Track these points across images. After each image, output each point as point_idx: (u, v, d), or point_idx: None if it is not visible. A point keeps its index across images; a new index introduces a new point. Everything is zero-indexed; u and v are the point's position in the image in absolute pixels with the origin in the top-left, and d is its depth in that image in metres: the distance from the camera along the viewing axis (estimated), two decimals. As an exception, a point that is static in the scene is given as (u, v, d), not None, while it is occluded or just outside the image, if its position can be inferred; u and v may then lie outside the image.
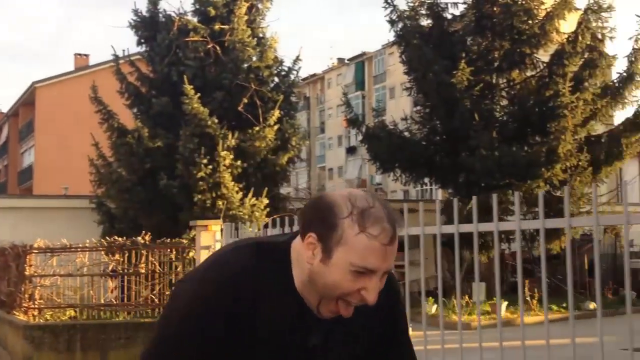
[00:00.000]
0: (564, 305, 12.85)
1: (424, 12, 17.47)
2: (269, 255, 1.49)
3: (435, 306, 12.98)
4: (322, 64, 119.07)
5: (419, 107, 18.05)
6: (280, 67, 15.37)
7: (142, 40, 15.05)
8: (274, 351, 1.49)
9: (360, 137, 18.43)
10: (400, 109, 18.83)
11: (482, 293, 15.28)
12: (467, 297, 13.44)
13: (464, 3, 17.33)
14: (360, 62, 56.13)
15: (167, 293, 10.37)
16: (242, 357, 1.48)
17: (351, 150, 55.00)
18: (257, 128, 14.03)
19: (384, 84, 51.37)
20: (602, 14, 16.23)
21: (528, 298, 13.32)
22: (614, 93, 16.19)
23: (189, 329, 1.44)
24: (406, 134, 18.07)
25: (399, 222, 1.45)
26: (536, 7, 16.36)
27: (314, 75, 62.91)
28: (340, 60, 60.23)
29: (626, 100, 16.37)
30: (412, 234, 3.92)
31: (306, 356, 1.52)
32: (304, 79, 63.21)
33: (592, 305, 14.16)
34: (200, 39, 14.20)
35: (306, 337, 1.51)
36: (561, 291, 13.31)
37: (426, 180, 19.00)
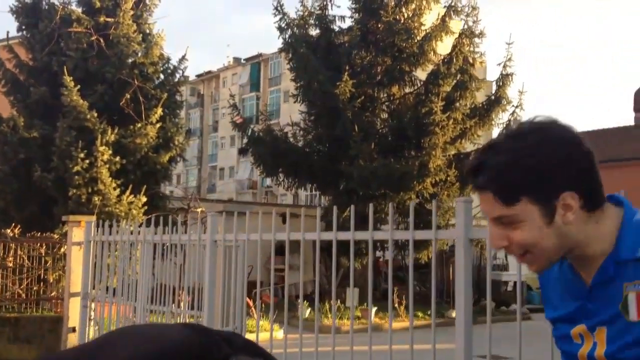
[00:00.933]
0: (429, 312, 13.56)
1: (312, 22, 18.01)
2: None
3: (308, 310, 13.40)
4: (218, 62, 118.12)
5: (304, 114, 18.54)
6: (166, 65, 15.34)
7: (23, 27, 14.57)
8: None
9: (245, 140, 18.68)
10: (294, 112, 19.23)
11: (356, 298, 15.93)
12: (338, 302, 13.91)
13: (351, 17, 18.04)
14: (256, 63, 56.25)
15: (35, 288, 10.20)
16: None
17: (243, 151, 54.78)
18: (138, 125, 13.93)
19: (279, 87, 51.77)
20: (474, 39, 17.39)
21: (397, 305, 13.88)
22: (482, 114, 17.34)
23: None
24: (291, 139, 18.51)
25: None
26: (416, 27, 17.28)
27: (210, 72, 62.42)
28: (237, 59, 60.09)
29: (493, 122, 17.59)
30: (293, 239, 3.97)
31: None
32: (198, 76, 62.71)
33: (453, 314, 15.08)
34: (84, 30, 13.95)
35: None
36: (429, 299, 14.04)
37: (308, 186, 19.51)
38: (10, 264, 10.08)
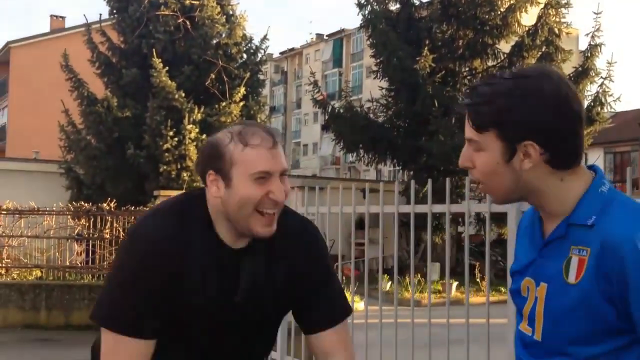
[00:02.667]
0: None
1: (392, -3, 17.90)
2: (189, 217, 1.67)
3: (389, 283, 13.56)
4: (301, 39, 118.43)
5: (384, 90, 18.55)
6: (248, 45, 15.74)
7: (114, 11, 15.27)
8: (208, 302, 1.66)
9: (326, 117, 18.91)
10: (376, 88, 19.28)
11: (436, 273, 15.93)
12: (419, 276, 13.92)
13: (432, -10, 17.80)
14: (338, 39, 56.21)
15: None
16: (180, 311, 1.65)
17: (326, 127, 55.07)
18: (223, 104, 14.42)
19: (361, 62, 51.60)
20: (561, 9, 16.83)
21: (478, 279, 13.79)
22: (569, 87, 16.78)
23: (130, 277, 1.64)
24: (372, 115, 18.58)
25: (276, 132, 1.66)
26: (499, -1, 16.90)
27: (293, 49, 62.89)
28: (319, 36, 60.25)
29: (581, 94, 17.02)
30: (372, 212, 4.03)
31: (237, 304, 1.68)
32: (282, 53, 63.34)
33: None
34: (171, 13, 14.49)
35: (235, 282, 1.68)
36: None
37: (388, 161, 19.55)
38: (107, 236, 10.75)
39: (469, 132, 1.40)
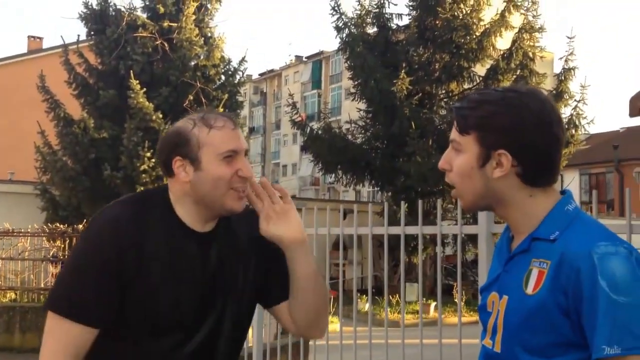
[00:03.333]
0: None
1: (369, 20, 18.13)
2: (149, 203, 1.73)
3: (367, 304, 13.49)
4: (280, 61, 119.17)
5: (362, 112, 18.69)
6: (227, 67, 15.80)
7: (92, 33, 15.27)
8: (175, 287, 1.66)
9: (305, 138, 18.98)
10: (355, 109, 19.43)
11: (414, 293, 15.96)
12: (397, 297, 13.94)
13: (409, 15, 18.07)
14: (317, 61, 56.58)
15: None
16: (149, 291, 1.64)
17: (305, 148, 55.17)
18: (201, 125, 14.42)
19: (340, 84, 51.96)
20: (535, 33, 17.15)
21: (456, 300, 13.77)
22: (543, 109, 17.04)
23: (89, 262, 1.64)
24: (350, 137, 18.70)
25: (234, 116, 1.80)
26: (475, 23, 17.16)
27: (272, 71, 63.16)
28: (298, 57, 60.61)
29: (555, 117, 17.27)
30: (347, 233, 4.08)
31: (208, 282, 1.70)
32: (261, 74, 63.57)
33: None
34: (149, 35, 14.54)
35: (205, 265, 1.70)
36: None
37: (367, 183, 19.65)
38: (83, 258, 10.64)
39: (453, 133, 1.46)
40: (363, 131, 18.65)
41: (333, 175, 19.18)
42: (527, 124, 1.38)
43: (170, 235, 1.68)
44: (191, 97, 14.51)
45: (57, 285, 1.68)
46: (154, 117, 13.79)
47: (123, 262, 1.61)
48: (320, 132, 18.54)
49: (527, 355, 1.35)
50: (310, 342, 4.93)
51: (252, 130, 57.70)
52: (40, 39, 39.98)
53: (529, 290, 1.36)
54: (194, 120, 1.70)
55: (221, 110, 14.63)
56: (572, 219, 1.39)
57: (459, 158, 1.45)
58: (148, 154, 13.48)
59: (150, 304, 1.64)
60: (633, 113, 3.70)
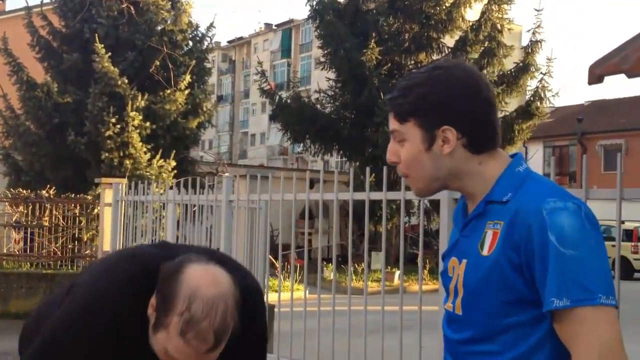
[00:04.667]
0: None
1: (340, -12, 17.96)
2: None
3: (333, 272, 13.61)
4: (249, 28, 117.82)
5: (331, 82, 18.62)
6: (194, 32, 15.55)
7: (56, -6, 14.90)
8: None
9: (273, 107, 18.87)
10: (324, 79, 19.33)
11: (380, 262, 16.15)
12: (362, 265, 14.06)
13: (379, -17, 17.94)
14: (287, 29, 56.01)
15: (70, 246, 10.66)
16: None
17: (274, 117, 54.80)
18: (168, 91, 14.22)
19: (310, 54, 51.54)
20: (503, 5, 17.20)
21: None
22: (510, 82, 17.23)
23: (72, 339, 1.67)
24: (319, 106, 18.63)
25: (224, 336, 1.55)
26: (444, -7, 17.16)
27: (241, 38, 62.39)
28: (268, 25, 59.93)
29: (521, 89, 17.47)
30: (313, 198, 4.13)
31: None
32: (230, 42, 62.75)
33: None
34: (114, -3, 14.22)
35: None
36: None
37: (335, 152, 19.65)
38: (46, 223, 10.51)
39: (392, 124, 1.47)
40: (332, 101, 18.61)
41: (301, 144, 19.14)
42: (458, 95, 1.40)
43: None
44: (158, 63, 14.28)
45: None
46: (119, 82, 13.55)
47: None
48: (289, 101, 18.45)
49: (485, 316, 1.38)
50: (276, 309, 4.97)
51: (220, 98, 57.06)
52: (3, 1, 38.83)
53: (485, 251, 1.38)
54: (188, 309, 1.53)
55: (188, 77, 14.46)
56: (523, 179, 1.42)
57: (405, 147, 1.45)
58: (113, 120, 13.28)
59: None
60: (591, 81, 3.75)
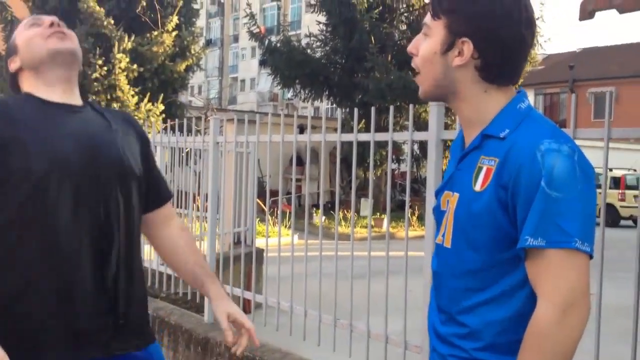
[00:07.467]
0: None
1: None
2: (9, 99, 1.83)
3: (323, 217, 13.74)
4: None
5: (322, 25, 18.32)
6: (182, -28, 15.16)
7: None
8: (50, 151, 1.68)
9: (263, 51, 18.60)
10: (314, 23, 19.01)
11: (369, 208, 16.27)
12: (350, 212, 14.17)
13: None
14: (278, -29, 54.93)
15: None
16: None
17: (264, 63, 54.19)
18: (155, 33, 13.95)
19: (301, -4, 50.76)
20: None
21: (409, 215, 14.14)
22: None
23: None
24: (309, 51, 18.38)
25: (62, 24, 1.86)
26: None
27: (230, -20, 61.12)
28: (258, -33, 58.60)
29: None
30: (300, 140, 4.01)
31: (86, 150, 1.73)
32: (219, -16, 61.43)
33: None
34: None
35: (75, 129, 1.74)
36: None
37: (326, 98, 19.52)
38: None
39: (427, 17, 1.46)
40: (322, 45, 18.35)
41: (291, 90, 18.95)
42: (495, 16, 1.36)
43: (36, 108, 1.76)
44: (144, 3, 13.96)
45: None
46: (105, 23, 13.28)
47: None
48: (279, 45, 18.17)
49: (471, 251, 1.38)
50: (264, 254, 5.00)
51: (209, 42, 56.24)
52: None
53: (477, 187, 1.38)
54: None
55: (176, 18, 14.19)
56: (523, 117, 1.39)
57: (426, 42, 1.44)
58: (100, 62, 13.06)
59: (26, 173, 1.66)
60: (583, 16, 3.69)
